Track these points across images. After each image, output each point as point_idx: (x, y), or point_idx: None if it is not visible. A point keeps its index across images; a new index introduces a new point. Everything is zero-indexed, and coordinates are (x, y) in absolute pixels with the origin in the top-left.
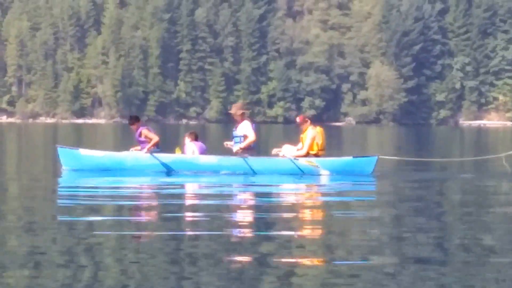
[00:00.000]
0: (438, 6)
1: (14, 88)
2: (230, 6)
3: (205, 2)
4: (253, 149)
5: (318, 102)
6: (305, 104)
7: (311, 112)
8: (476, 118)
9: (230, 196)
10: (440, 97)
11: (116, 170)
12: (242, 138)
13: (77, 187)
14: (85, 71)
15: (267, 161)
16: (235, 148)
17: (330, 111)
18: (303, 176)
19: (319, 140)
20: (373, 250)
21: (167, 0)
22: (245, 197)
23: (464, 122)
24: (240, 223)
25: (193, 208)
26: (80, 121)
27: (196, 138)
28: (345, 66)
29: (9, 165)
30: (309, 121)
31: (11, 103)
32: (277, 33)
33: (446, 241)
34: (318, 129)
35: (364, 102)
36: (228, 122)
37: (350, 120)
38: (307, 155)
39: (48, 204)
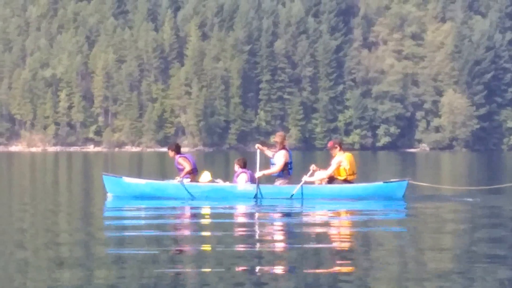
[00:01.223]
0: (509, 35)
1: (100, 118)
2: (308, 37)
3: (284, 34)
4: (288, 177)
5: (393, 129)
6: (380, 131)
7: (386, 139)
8: None
9: (265, 223)
10: (511, 123)
11: (157, 198)
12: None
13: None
14: (169, 102)
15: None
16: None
17: (405, 137)
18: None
19: (347, 166)
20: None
21: (247, 32)
22: (280, 224)
23: None
24: (275, 255)
25: (232, 238)
26: (164, 149)
27: (244, 165)
28: (419, 94)
29: (92, 189)
30: (338, 147)
31: (98, 132)
32: (353, 63)
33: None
34: (347, 154)
35: (437, 129)
36: (306, 149)
37: (424, 146)
38: (332, 179)
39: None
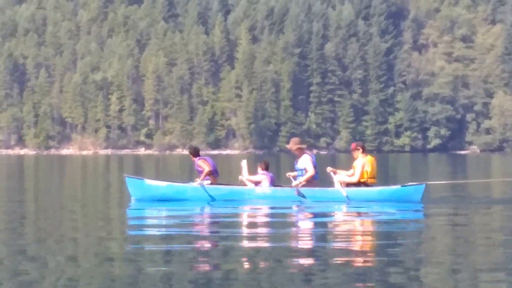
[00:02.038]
0: None
1: (151, 122)
2: (358, 40)
3: (334, 37)
4: (314, 181)
5: (443, 131)
6: (430, 133)
7: (437, 141)
8: None
9: (285, 224)
10: None
11: (177, 200)
12: (304, 171)
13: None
14: (220, 104)
15: (318, 191)
16: (295, 183)
17: (455, 140)
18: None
19: (369, 168)
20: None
21: (297, 35)
22: (301, 225)
23: None
24: (297, 252)
25: (249, 237)
26: (215, 152)
27: (267, 168)
28: (469, 96)
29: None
30: (361, 149)
31: (149, 135)
32: (404, 65)
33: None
34: (369, 157)
35: (488, 131)
36: None
37: (475, 148)
38: (359, 183)
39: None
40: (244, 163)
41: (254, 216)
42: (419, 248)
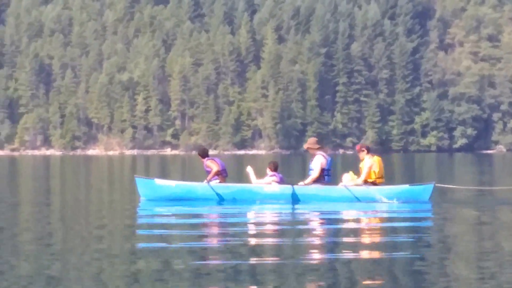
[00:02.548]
0: None
1: (178, 122)
2: (384, 40)
3: (360, 37)
4: (324, 181)
5: (469, 131)
6: (457, 133)
7: (463, 140)
8: None
9: (294, 222)
10: None
11: (187, 200)
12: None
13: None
14: (246, 105)
15: (322, 189)
16: (301, 183)
17: (481, 139)
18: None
19: (376, 169)
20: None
21: (323, 35)
22: (311, 224)
23: None
24: (308, 248)
25: (259, 234)
26: (241, 152)
27: (276, 169)
28: (495, 96)
29: None
30: (366, 150)
31: (175, 136)
32: (430, 65)
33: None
34: (376, 158)
35: None
36: (382, 151)
37: (501, 147)
38: (366, 183)
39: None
40: (249, 169)
41: (262, 215)
42: (428, 245)
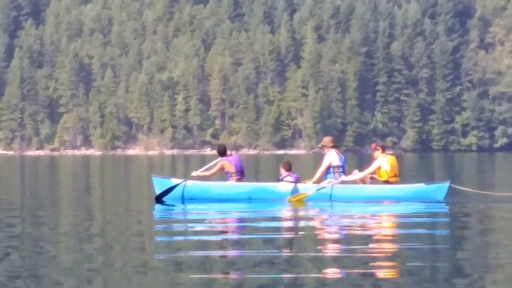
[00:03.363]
0: None
1: (217, 121)
2: (424, 39)
3: (400, 36)
4: (338, 177)
5: (510, 130)
6: (497, 132)
7: (504, 140)
8: None
9: (299, 225)
10: None
11: (202, 199)
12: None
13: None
14: (286, 104)
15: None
16: (308, 182)
17: None
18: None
19: (388, 168)
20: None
21: (363, 34)
22: (324, 223)
23: None
24: (322, 241)
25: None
26: (281, 152)
27: (290, 169)
28: None
29: None
30: (380, 149)
31: (214, 135)
32: (470, 64)
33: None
34: (389, 157)
35: None
36: (423, 151)
37: None
38: (373, 181)
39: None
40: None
41: (278, 211)
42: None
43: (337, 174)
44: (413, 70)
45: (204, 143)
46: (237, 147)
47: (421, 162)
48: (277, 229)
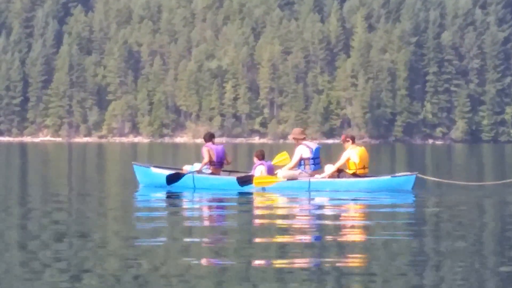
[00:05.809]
0: None
1: (266, 110)
2: (475, 29)
3: (451, 26)
4: (309, 171)
5: None
6: None
7: None
8: None
9: (274, 216)
10: None
11: (181, 188)
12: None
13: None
14: (335, 93)
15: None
16: (280, 173)
17: None
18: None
19: (356, 160)
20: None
21: (414, 24)
22: (288, 217)
23: None
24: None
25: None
26: (329, 141)
27: (263, 158)
28: None
29: None
30: (350, 141)
31: (263, 124)
32: None
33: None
34: (358, 148)
35: None
36: (472, 142)
37: None
38: (340, 173)
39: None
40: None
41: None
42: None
43: (307, 166)
44: (463, 61)
45: (253, 132)
46: (285, 136)
47: (472, 155)
48: (244, 218)
